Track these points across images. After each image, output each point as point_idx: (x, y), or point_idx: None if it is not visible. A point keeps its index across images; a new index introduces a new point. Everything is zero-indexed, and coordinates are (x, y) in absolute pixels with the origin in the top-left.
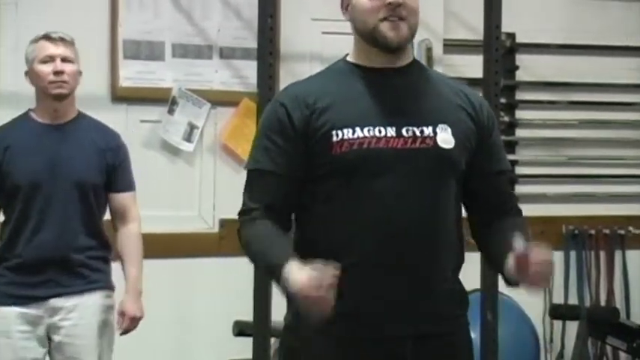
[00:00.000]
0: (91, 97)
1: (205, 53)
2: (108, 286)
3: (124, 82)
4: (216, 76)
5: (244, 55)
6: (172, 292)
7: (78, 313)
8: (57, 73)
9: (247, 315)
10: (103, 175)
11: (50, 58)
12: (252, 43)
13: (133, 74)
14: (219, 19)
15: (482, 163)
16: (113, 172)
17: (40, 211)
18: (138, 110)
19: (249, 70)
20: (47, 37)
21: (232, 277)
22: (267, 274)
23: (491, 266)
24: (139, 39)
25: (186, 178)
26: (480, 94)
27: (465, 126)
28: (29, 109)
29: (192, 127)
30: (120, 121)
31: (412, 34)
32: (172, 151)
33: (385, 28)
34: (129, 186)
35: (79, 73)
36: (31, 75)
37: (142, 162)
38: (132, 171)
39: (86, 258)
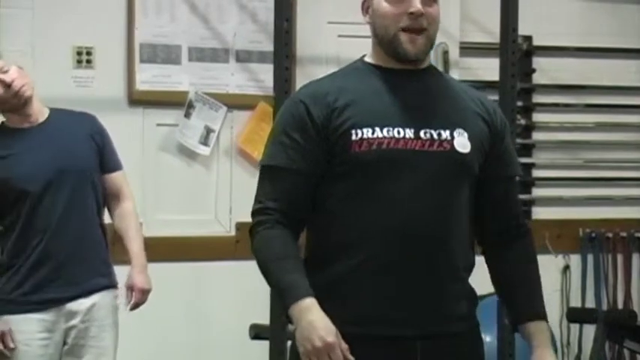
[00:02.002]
0: (107, 100)
1: (221, 57)
2: (116, 284)
3: (141, 85)
4: (233, 79)
5: (260, 58)
6: (189, 295)
7: (93, 314)
8: (7, 86)
9: (264, 318)
10: (98, 158)
11: None
12: (269, 47)
13: (150, 78)
14: (235, 23)
15: (494, 168)
16: (103, 153)
17: (48, 212)
18: (154, 114)
19: (266, 73)
20: None
21: (249, 281)
22: (275, 292)
23: (501, 300)
24: (155, 43)
25: (203, 181)
26: (495, 99)
27: (481, 132)
28: (2, 121)
29: (208, 131)
30: (136, 124)
31: (431, 45)
32: (189, 154)
33: (404, 39)
34: (118, 165)
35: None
36: None
37: (159, 165)
38: (116, 149)
39: (99, 251)
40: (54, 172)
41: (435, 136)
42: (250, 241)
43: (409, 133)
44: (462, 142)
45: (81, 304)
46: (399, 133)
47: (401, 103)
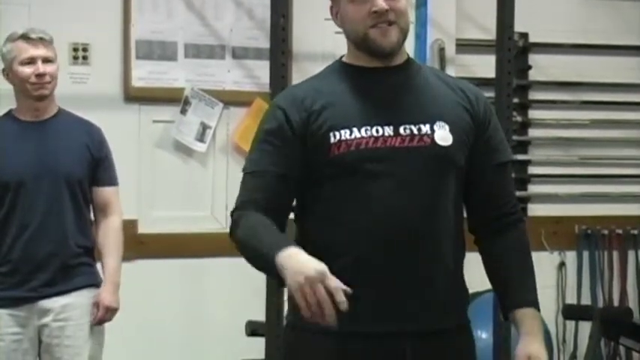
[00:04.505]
0: (103, 97)
1: (218, 53)
2: (96, 283)
3: (137, 82)
4: (229, 76)
5: (257, 55)
6: (184, 292)
7: (68, 313)
8: (39, 75)
9: (260, 315)
10: (89, 169)
11: (31, 60)
12: (265, 43)
13: (146, 74)
14: (231, 19)
15: (481, 157)
16: (97, 165)
17: (28, 209)
18: (150, 110)
19: (262, 70)
20: (26, 38)
21: (244, 277)
22: (261, 268)
23: (493, 289)
24: (151, 39)
25: (199, 178)
26: (491, 96)
27: (463, 122)
28: (11, 109)
29: (204, 127)
30: (132, 121)
31: (404, 36)
32: (185, 151)
33: (375, 35)
34: (112, 180)
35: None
36: (11, 75)
37: (155, 162)
38: (114, 165)
39: (76, 255)
40: (33, 172)
41: (415, 131)
42: (232, 241)
43: (388, 130)
44: (442, 135)
45: (55, 302)
46: (377, 131)
47: (379, 101)
